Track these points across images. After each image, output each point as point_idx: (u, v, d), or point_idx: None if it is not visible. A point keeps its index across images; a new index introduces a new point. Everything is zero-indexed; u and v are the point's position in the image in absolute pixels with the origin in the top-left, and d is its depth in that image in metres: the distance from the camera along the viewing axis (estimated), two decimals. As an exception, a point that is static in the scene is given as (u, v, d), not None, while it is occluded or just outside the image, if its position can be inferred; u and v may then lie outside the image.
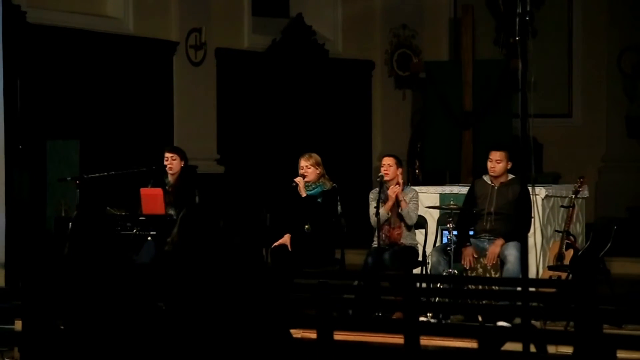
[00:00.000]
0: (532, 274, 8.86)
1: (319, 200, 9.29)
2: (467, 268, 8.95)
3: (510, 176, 9.18)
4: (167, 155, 9.75)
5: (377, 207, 9.13)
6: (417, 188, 9.88)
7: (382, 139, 15.24)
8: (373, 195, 9.32)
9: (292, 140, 13.79)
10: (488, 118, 13.21)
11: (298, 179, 9.34)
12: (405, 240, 9.25)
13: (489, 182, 9.20)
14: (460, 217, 9.13)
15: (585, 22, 15.50)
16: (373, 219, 9.19)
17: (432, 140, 13.79)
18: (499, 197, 9.10)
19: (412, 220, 9.24)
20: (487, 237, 9.10)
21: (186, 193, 9.53)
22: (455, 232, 8.98)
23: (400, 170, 9.38)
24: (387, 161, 9.34)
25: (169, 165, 9.70)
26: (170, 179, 9.72)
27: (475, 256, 8.99)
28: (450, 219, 9.02)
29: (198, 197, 9.51)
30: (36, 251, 10.86)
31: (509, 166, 9.20)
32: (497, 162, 9.13)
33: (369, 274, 8.91)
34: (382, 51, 15.33)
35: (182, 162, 9.74)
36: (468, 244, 9.05)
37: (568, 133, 15.42)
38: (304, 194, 9.30)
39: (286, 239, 9.33)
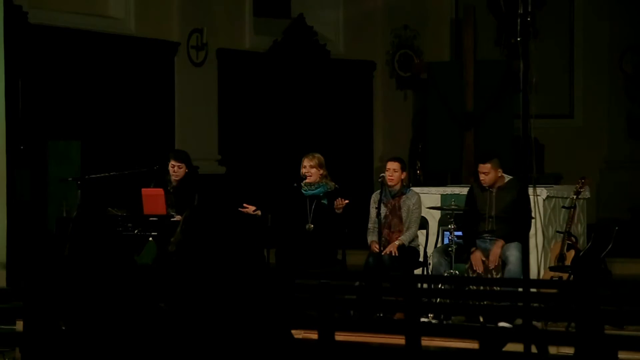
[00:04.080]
0: (533, 274, 8.87)
1: (323, 201, 9.26)
2: (480, 272, 8.94)
3: (507, 178, 9.15)
4: (174, 163, 9.59)
5: (378, 208, 9.13)
6: (418, 189, 9.87)
7: (383, 140, 15.24)
8: (375, 197, 9.31)
9: (293, 141, 13.79)
10: (489, 119, 13.21)
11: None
12: (406, 241, 9.27)
13: (487, 187, 9.16)
14: (465, 221, 9.12)
15: (587, 23, 15.50)
16: (370, 239, 9.27)
17: (433, 141, 13.78)
18: (498, 201, 9.06)
19: (414, 234, 9.29)
20: (488, 238, 9.09)
21: (188, 195, 9.50)
22: (457, 233, 8.97)
23: (404, 174, 9.35)
24: (393, 166, 9.26)
25: (174, 172, 9.61)
26: (173, 181, 9.67)
27: (484, 259, 8.97)
28: (452, 220, 9.01)
29: (197, 200, 9.47)
30: (37, 251, 10.85)
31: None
32: (485, 174, 9.06)
33: (370, 275, 8.90)
34: (384, 52, 15.33)
35: (187, 169, 9.68)
36: (474, 248, 9.04)
37: (569, 134, 15.41)
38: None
39: (250, 208, 9.28)
